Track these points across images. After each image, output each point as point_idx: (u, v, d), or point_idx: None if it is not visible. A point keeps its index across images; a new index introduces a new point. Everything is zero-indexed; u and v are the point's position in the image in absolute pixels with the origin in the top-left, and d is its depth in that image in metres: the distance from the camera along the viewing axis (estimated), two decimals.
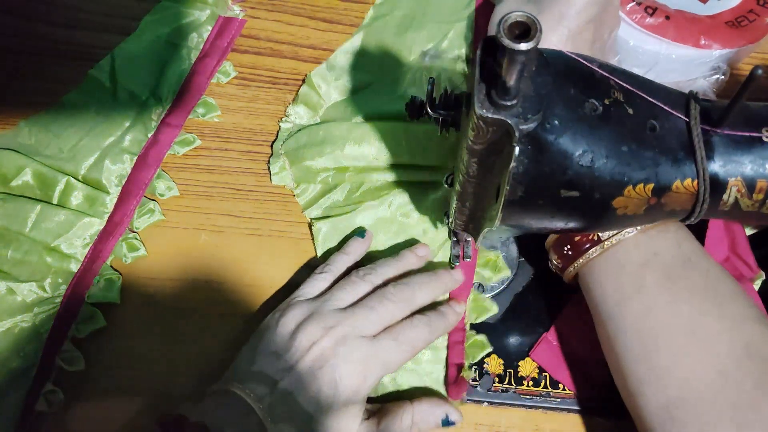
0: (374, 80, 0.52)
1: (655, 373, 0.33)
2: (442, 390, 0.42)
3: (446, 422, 0.40)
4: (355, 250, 0.44)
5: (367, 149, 0.47)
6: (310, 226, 0.48)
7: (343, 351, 0.37)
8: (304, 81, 0.53)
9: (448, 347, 0.43)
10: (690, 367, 0.32)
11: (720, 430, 0.31)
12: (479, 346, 0.43)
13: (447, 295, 0.44)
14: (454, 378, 0.42)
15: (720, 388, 0.32)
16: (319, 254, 0.47)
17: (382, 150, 0.48)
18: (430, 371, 0.43)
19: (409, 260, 0.43)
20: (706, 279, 0.34)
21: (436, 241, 0.46)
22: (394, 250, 0.45)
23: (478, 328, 0.44)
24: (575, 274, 0.39)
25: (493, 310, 0.44)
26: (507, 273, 0.45)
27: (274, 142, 0.51)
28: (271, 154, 0.51)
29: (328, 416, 0.36)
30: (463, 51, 0.53)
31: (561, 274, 0.40)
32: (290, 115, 0.52)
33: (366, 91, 0.52)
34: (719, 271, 0.35)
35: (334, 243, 0.47)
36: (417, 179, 0.48)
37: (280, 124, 0.52)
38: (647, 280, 0.34)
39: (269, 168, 0.50)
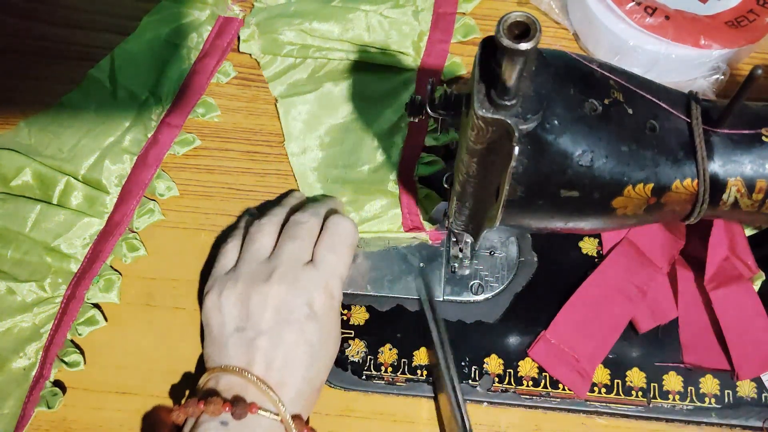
0: None
1: None
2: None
3: None
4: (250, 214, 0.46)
5: (333, 27, 0.51)
6: (275, 103, 0.51)
7: (302, 284, 0.38)
8: None
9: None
10: None
11: None
12: (432, 198, 0.46)
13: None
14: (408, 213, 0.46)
15: None
16: (283, 130, 0.50)
17: (346, 30, 0.51)
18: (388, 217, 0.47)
19: (289, 200, 0.45)
20: None
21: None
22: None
23: (476, 328, 0.44)
24: None
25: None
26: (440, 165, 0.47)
27: (246, 15, 0.54)
28: (243, 25, 0.54)
29: (323, 348, 0.37)
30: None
31: None
32: None
33: None
34: None
35: (296, 119, 0.50)
36: (378, 61, 0.51)
37: (254, 2, 0.55)
38: None
39: (238, 36, 0.53)
